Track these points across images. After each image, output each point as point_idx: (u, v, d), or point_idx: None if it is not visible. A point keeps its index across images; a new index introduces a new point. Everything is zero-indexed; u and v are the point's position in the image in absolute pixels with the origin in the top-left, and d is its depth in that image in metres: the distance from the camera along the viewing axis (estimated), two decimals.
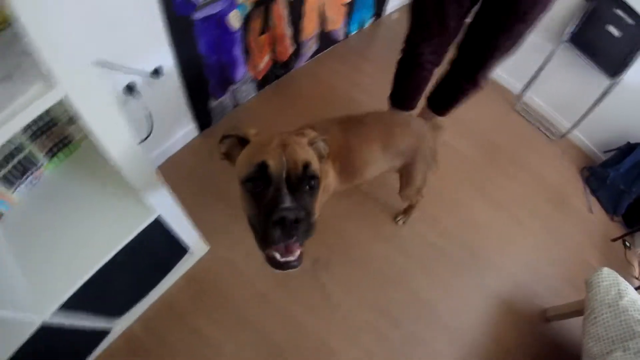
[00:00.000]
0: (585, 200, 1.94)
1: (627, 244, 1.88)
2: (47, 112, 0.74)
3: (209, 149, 0.71)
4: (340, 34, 2.09)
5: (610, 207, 1.97)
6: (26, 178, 0.83)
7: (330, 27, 1.96)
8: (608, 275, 1.26)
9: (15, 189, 0.82)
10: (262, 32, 1.55)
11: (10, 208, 0.83)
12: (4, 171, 0.77)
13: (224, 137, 0.76)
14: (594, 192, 1.99)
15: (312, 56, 2.01)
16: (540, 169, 1.96)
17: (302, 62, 1.97)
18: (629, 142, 1.97)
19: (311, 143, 0.77)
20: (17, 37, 0.46)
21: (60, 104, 0.53)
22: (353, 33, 2.19)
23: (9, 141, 0.75)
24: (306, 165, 0.66)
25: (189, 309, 1.30)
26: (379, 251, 1.52)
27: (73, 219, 0.85)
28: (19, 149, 0.78)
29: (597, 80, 1.85)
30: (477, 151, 1.92)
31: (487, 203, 1.75)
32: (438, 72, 1.37)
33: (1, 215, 0.82)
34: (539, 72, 2.02)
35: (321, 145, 0.81)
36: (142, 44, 1.16)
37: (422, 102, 1.50)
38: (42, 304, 0.78)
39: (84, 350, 1.16)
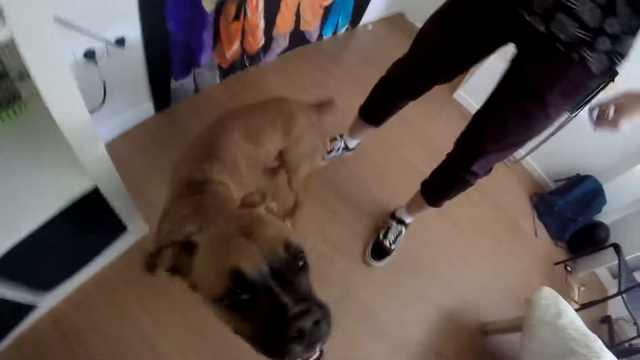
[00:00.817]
0: (532, 225, 2.05)
1: (569, 268, 2.00)
2: None
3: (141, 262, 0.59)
4: (313, 36, 2.09)
5: (556, 233, 2.09)
6: None
7: (304, 27, 1.96)
8: (548, 295, 1.31)
9: None
10: (235, 19, 1.51)
11: None
12: None
13: (160, 249, 0.57)
14: (541, 217, 2.11)
15: (282, 53, 1.99)
16: (496, 193, 2.04)
17: (271, 57, 1.95)
18: (578, 174, 2.12)
19: (266, 208, 0.64)
20: None
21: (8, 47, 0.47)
22: (327, 37, 2.21)
23: None
24: (287, 245, 0.53)
25: (123, 293, 1.20)
26: (323, 251, 1.49)
27: (6, 179, 0.77)
28: None
29: None
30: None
31: (445, 221, 1.79)
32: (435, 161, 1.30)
33: None
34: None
35: (274, 206, 0.67)
36: (110, 11, 1.09)
37: (412, 190, 1.45)
38: None
39: (5, 325, 1.05)
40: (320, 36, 2.14)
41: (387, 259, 1.52)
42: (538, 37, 0.87)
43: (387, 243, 1.52)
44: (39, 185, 0.79)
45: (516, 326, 1.39)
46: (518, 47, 0.97)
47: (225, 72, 1.75)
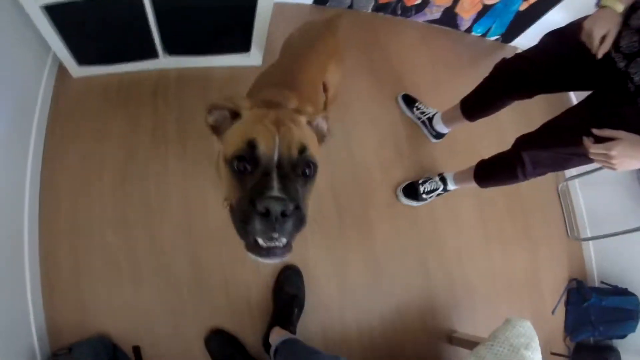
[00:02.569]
0: (554, 303, 1.94)
1: None
2: None
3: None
4: (464, 25, 2.18)
5: (570, 327, 1.98)
6: None
7: (459, 10, 2.06)
8: (528, 328, 1.31)
9: None
10: None
11: None
12: None
13: (213, 108, 0.70)
14: (567, 303, 2.00)
15: (430, 22, 2.13)
16: (541, 251, 1.99)
17: (419, 19, 2.11)
18: (627, 289, 1.96)
19: (310, 122, 0.71)
20: None
21: None
22: (475, 34, 2.26)
23: None
24: (302, 150, 0.60)
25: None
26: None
27: None
28: None
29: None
30: (503, 202, 1.95)
31: (480, 226, 1.85)
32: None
33: None
34: (598, 170, 1.99)
35: (322, 123, 0.75)
36: None
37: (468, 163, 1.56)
38: None
39: (128, 56, 1.56)
40: (469, 29, 2.21)
41: (413, 203, 1.69)
42: (615, 75, 0.99)
43: (421, 189, 1.66)
44: None
45: None
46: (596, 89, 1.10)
47: (378, 7, 2.00)
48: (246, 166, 0.58)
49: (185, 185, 1.50)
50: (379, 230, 1.67)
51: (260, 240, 0.57)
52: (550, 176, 2.09)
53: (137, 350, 1.29)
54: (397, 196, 1.72)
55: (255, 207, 0.52)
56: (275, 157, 0.57)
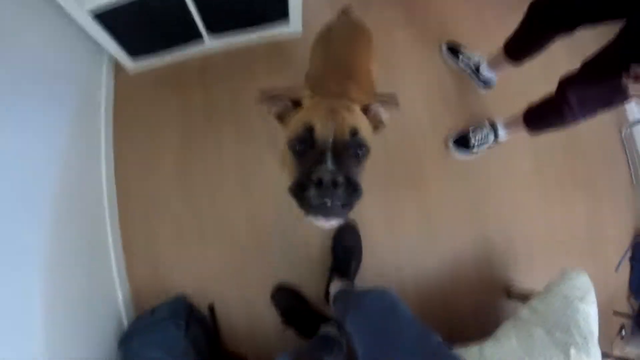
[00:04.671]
0: (618, 258, 1.88)
1: (624, 332, 1.81)
2: None
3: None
4: None
5: (636, 287, 1.89)
6: None
7: None
8: (584, 280, 1.31)
9: None
10: None
11: None
12: None
13: (275, 98, 0.79)
14: (632, 259, 1.91)
15: None
16: (604, 204, 1.91)
17: None
18: None
19: (365, 109, 0.79)
20: None
21: None
22: None
23: None
24: (354, 133, 0.68)
25: (254, 71, 1.77)
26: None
27: None
28: None
29: None
30: (561, 154, 1.88)
31: (535, 179, 1.81)
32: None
33: None
34: None
35: (379, 111, 0.81)
36: None
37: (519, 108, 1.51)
38: None
39: (177, 41, 1.68)
40: None
41: (465, 155, 1.70)
42: None
43: (472, 139, 1.66)
44: None
45: None
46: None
47: None
48: (305, 148, 0.68)
49: (241, 154, 1.65)
50: (432, 183, 1.70)
51: (316, 202, 0.64)
52: (611, 122, 2.02)
53: (211, 308, 1.49)
54: (448, 148, 1.73)
55: (311, 178, 0.61)
56: (330, 139, 0.65)
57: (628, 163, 1.97)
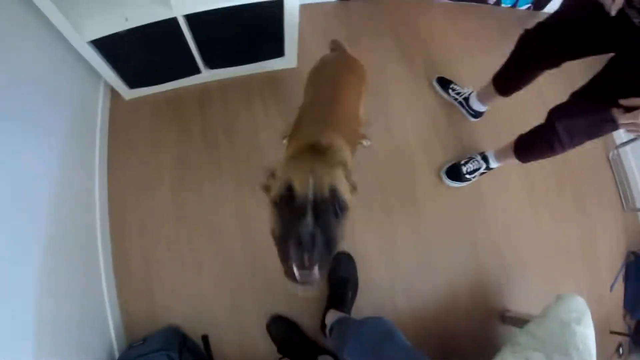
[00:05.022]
0: (611, 278, 1.90)
1: (621, 350, 1.82)
2: None
3: None
4: None
5: (630, 305, 1.91)
6: None
7: None
8: (580, 303, 1.31)
9: None
10: None
11: None
12: None
13: (269, 176, 0.83)
14: (626, 279, 1.93)
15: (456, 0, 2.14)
16: (595, 225, 1.94)
17: None
18: None
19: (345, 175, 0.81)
20: None
21: None
22: (505, 5, 2.22)
23: None
24: (333, 190, 0.70)
25: (252, 99, 1.81)
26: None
27: None
28: None
29: None
30: (552, 177, 1.93)
31: (526, 201, 1.85)
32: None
33: None
34: None
35: (351, 180, 0.84)
36: None
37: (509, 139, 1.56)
38: None
39: (174, 75, 1.73)
40: (498, 1, 2.17)
41: (457, 184, 1.74)
42: (633, 33, 0.99)
43: (464, 169, 1.71)
44: None
45: None
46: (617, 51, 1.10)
47: None
48: (287, 204, 0.70)
49: (237, 181, 1.66)
50: (424, 210, 1.72)
51: (295, 271, 0.66)
52: (599, 145, 2.07)
53: (205, 338, 1.45)
54: (440, 178, 1.76)
55: (290, 233, 0.64)
56: (310, 196, 0.68)
57: (617, 185, 2.03)
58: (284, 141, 1.14)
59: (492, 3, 2.17)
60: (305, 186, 0.68)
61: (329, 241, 0.66)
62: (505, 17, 2.21)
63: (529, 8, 2.24)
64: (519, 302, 1.67)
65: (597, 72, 1.14)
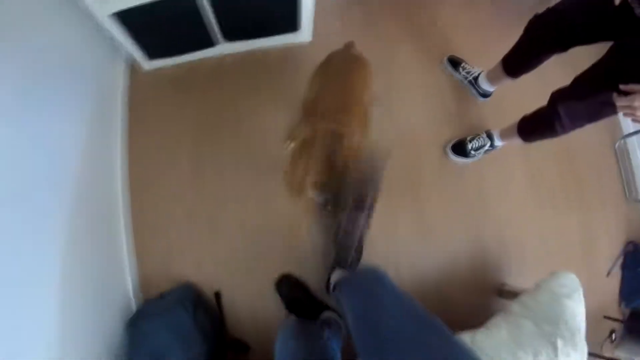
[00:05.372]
0: (609, 265, 1.96)
1: (614, 336, 1.88)
2: None
3: None
4: None
5: (626, 293, 1.96)
6: None
7: None
8: (572, 279, 1.38)
9: None
10: None
11: None
12: None
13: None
14: (623, 267, 1.99)
15: None
16: (597, 215, 2.00)
17: None
18: None
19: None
20: None
21: None
22: None
23: None
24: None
25: (264, 78, 1.86)
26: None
27: None
28: None
29: None
30: (555, 165, 1.98)
31: (530, 186, 1.91)
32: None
33: None
34: None
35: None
36: None
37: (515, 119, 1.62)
38: None
39: (191, 46, 1.80)
40: None
41: (462, 159, 1.81)
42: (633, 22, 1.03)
43: (469, 146, 1.77)
44: None
45: None
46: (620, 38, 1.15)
47: None
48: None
49: (254, 152, 1.75)
50: (428, 189, 1.79)
51: None
52: (605, 133, 2.11)
53: (217, 295, 1.57)
54: (446, 154, 1.83)
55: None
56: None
57: (621, 175, 2.07)
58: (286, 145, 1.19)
59: None
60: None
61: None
62: (519, 1, 2.20)
63: None
64: (516, 280, 1.75)
65: (599, 59, 1.19)
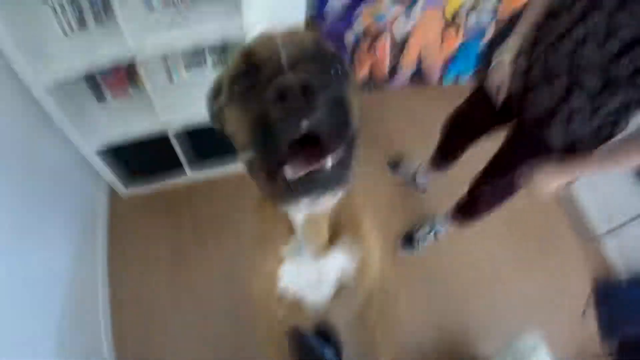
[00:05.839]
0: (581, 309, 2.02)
1: None
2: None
3: None
4: (433, 79, 2.52)
5: (606, 328, 1.94)
6: (197, 68, 1.71)
7: (425, 68, 2.43)
8: (534, 338, 1.45)
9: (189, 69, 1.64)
10: (367, 52, 2.14)
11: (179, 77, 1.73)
12: (191, 60, 1.61)
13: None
14: (597, 304, 2.01)
15: (405, 86, 2.51)
16: (558, 265, 2.11)
17: (395, 86, 2.50)
18: None
19: None
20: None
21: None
22: (447, 84, 2.59)
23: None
24: (318, 44, 0.44)
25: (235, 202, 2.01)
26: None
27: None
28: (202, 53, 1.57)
29: None
30: (505, 226, 2.12)
31: (490, 247, 2.04)
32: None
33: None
34: None
35: None
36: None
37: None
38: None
39: (160, 174, 2.03)
40: (440, 81, 2.55)
41: (411, 251, 1.94)
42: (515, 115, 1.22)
43: (415, 236, 1.92)
44: None
45: None
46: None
47: None
48: (249, 84, 0.42)
49: (228, 266, 1.88)
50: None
51: (290, 172, 0.39)
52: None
53: None
54: (395, 248, 1.98)
55: (267, 97, 0.36)
56: (283, 55, 0.41)
57: (569, 219, 2.24)
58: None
59: (436, 83, 2.56)
60: (268, 45, 0.43)
61: (337, 101, 0.40)
62: (450, 93, 2.36)
63: (469, 81, 2.62)
64: (491, 345, 1.78)
65: (499, 147, 1.39)
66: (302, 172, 0.39)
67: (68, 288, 1.52)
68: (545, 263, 2.10)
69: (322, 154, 0.39)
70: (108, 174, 1.89)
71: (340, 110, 0.40)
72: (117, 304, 1.82)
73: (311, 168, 0.39)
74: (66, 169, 1.73)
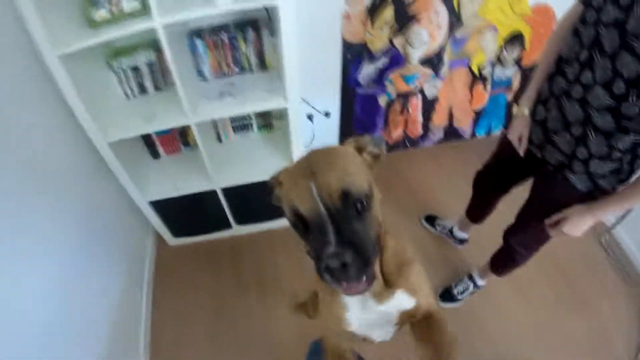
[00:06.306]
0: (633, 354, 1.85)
1: None
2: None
3: None
4: (466, 133, 2.58)
5: None
6: (243, 131, 1.89)
7: (457, 124, 2.52)
8: None
9: (236, 132, 1.84)
10: (400, 113, 2.30)
11: (227, 138, 1.93)
12: (239, 123, 1.81)
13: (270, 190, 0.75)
14: None
15: (438, 142, 2.58)
16: (602, 313, 1.99)
17: (428, 143, 2.57)
18: None
19: (359, 149, 0.69)
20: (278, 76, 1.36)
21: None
22: (480, 136, 2.63)
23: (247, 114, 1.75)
24: (345, 195, 0.58)
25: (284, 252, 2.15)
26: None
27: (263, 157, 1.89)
28: (248, 118, 1.76)
29: None
30: (544, 278, 2.07)
31: (530, 312, 1.96)
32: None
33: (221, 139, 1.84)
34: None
35: (372, 148, 0.71)
36: (324, 94, 2.09)
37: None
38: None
39: (209, 228, 2.21)
40: (473, 134, 2.61)
41: (451, 305, 1.93)
42: (539, 163, 1.26)
43: (455, 291, 1.93)
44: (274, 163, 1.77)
45: None
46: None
47: (390, 147, 2.51)
48: (304, 228, 0.61)
49: (267, 322, 1.93)
50: None
51: (343, 290, 0.63)
52: (587, 235, 2.17)
53: None
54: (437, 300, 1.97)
55: (321, 267, 0.57)
56: (322, 209, 0.57)
57: (613, 265, 2.13)
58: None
59: (468, 137, 2.61)
60: (309, 204, 0.58)
61: (361, 246, 0.57)
62: (483, 145, 2.45)
63: (502, 131, 2.61)
64: None
65: (529, 194, 1.43)
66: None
67: (112, 325, 1.60)
68: (589, 312, 1.99)
69: (357, 281, 0.61)
70: (158, 223, 2.06)
71: (364, 249, 0.58)
72: (156, 347, 1.90)
73: (349, 293, 0.64)
74: (121, 213, 1.91)
